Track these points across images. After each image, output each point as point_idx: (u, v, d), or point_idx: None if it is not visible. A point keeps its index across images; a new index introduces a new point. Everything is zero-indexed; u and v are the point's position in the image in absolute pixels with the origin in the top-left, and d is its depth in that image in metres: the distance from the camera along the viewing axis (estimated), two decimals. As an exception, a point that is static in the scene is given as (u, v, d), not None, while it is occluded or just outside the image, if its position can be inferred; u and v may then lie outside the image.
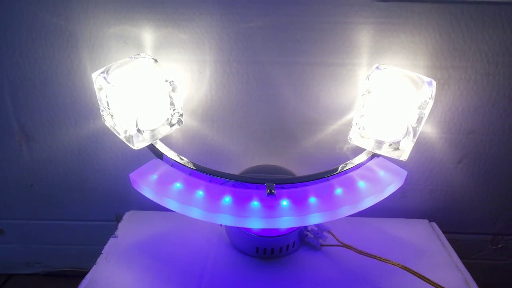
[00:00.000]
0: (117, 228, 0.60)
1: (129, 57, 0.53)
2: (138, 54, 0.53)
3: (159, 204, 0.53)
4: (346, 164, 0.55)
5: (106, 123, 0.53)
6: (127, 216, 0.63)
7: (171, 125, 0.55)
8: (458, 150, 0.62)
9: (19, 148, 0.63)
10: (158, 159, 0.55)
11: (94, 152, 0.64)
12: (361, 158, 0.56)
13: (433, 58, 0.57)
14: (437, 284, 0.49)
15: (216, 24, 0.56)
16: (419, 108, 0.49)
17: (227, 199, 0.52)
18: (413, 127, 0.51)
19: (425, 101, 0.49)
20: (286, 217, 0.49)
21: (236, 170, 0.64)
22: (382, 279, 0.52)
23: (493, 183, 0.64)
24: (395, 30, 0.56)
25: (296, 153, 0.63)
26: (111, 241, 0.57)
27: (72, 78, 0.59)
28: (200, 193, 0.53)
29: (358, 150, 0.59)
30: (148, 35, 0.56)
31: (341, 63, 0.58)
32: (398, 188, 0.53)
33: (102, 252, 0.55)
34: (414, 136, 0.51)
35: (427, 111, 0.49)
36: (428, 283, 0.49)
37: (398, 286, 0.50)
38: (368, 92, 0.51)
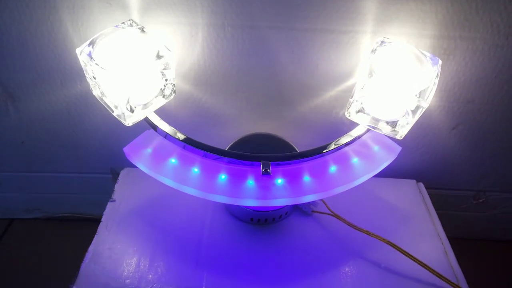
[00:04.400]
0: (113, 190, 0.61)
1: (116, 26, 0.49)
2: (124, 22, 0.49)
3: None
4: (341, 139, 0.55)
5: (93, 93, 0.51)
6: (123, 175, 0.64)
7: (165, 96, 0.53)
8: (455, 118, 0.61)
9: (4, 108, 0.61)
10: (152, 130, 0.54)
11: (84, 112, 0.62)
12: (356, 132, 0.55)
13: (442, 28, 0.53)
14: (419, 261, 0.52)
15: (209, -16, 0.51)
16: (420, 95, 0.47)
17: (222, 177, 0.52)
18: (412, 111, 0.50)
19: (428, 87, 0.47)
20: (280, 198, 0.50)
21: (231, 133, 0.64)
22: (368, 250, 0.55)
23: (483, 148, 0.65)
24: (405, -3, 0.51)
25: (291, 117, 0.62)
26: (109, 206, 0.59)
27: (53, 40, 0.55)
28: (196, 170, 0.53)
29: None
30: (133, -5, 0.51)
31: (344, 30, 0.54)
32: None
33: (102, 219, 0.56)
34: (413, 116, 0.50)
35: (430, 95, 0.47)
36: (411, 258, 0.53)
37: (383, 258, 0.54)
38: (371, 75, 0.49)
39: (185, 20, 0.53)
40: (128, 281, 0.49)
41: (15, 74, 0.58)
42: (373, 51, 0.50)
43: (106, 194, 0.71)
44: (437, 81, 0.47)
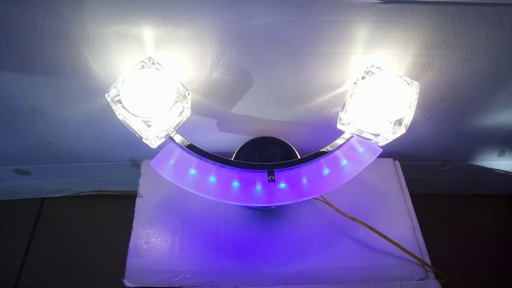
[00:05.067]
0: (139, 184, 0.71)
1: (136, 66, 0.54)
2: (143, 61, 0.54)
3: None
4: (332, 144, 0.64)
5: (119, 117, 0.58)
6: (144, 169, 0.73)
7: (183, 117, 0.60)
8: (429, 112, 0.71)
9: (32, 120, 0.68)
10: (172, 143, 0.62)
11: (104, 118, 0.69)
12: (343, 139, 0.65)
13: (422, 48, 0.60)
14: (391, 240, 0.66)
15: (218, 23, 0.55)
16: (399, 122, 0.57)
17: (235, 184, 0.63)
18: (392, 132, 0.59)
19: (406, 115, 0.56)
20: (283, 200, 0.61)
21: (236, 130, 0.73)
22: (351, 231, 0.68)
23: (451, 131, 0.76)
24: (392, 27, 0.57)
25: (288, 116, 0.71)
26: (138, 202, 0.69)
27: (75, 68, 0.60)
28: (212, 179, 0.63)
29: None
30: (147, 33, 0.56)
31: (337, 52, 0.60)
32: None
33: (135, 216, 0.68)
34: (393, 134, 0.60)
35: (408, 121, 0.57)
36: (385, 238, 0.66)
37: (363, 237, 0.68)
38: (361, 101, 0.57)
39: (195, 49, 0.58)
40: (168, 275, 0.62)
41: (40, 95, 0.64)
42: (363, 78, 0.58)
43: (126, 176, 0.82)
44: (415, 103, 0.56)
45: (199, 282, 0.62)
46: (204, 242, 0.66)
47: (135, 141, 0.73)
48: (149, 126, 0.54)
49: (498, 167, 0.85)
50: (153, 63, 0.55)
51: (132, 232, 0.66)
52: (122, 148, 0.76)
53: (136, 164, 0.79)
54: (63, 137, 0.72)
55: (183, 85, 0.55)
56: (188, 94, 0.55)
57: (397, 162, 0.78)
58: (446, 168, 0.85)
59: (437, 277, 0.64)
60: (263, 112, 0.70)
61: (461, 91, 0.67)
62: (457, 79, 0.65)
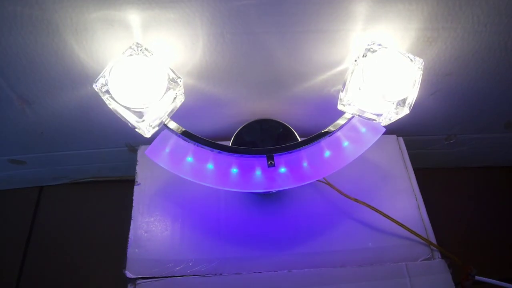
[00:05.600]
0: (136, 172, 0.70)
1: (124, 53, 0.51)
2: (131, 47, 0.51)
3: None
4: (333, 126, 0.62)
5: (109, 107, 0.56)
6: (141, 155, 0.71)
7: (176, 103, 0.58)
8: (433, 87, 0.68)
9: (21, 110, 0.65)
10: (167, 130, 0.60)
11: (97, 105, 0.66)
12: (344, 119, 0.62)
13: (426, 22, 0.57)
14: (395, 220, 0.64)
15: (208, 4, 0.52)
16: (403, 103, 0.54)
17: (234, 170, 0.61)
18: (395, 112, 0.56)
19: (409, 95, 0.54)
20: (284, 185, 0.60)
21: (233, 111, 0.70)
22: (354, 211, 0.67)
23: (455, 106, 0.73)
24: (394, 0, 0.53)
25: (287, 96, 0.68)
26: (136, 190, 0.68)
27: (60, 57, 0.57)
28: (210, 166, 0.61)
29: None
30: (134, 17, 0.52)
31: (336, 29, 0.57)
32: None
33: (133, 204, 0.66)
34: (396, 115, 0.57)
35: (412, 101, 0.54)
36: (389, 219, 0.65)
37: (366, 217, 0.66)
38: (359, 88, 0.54)
39: (185, 32, 0.55)
40: (170, 264, 0.61)
41: (27, 85, 0.61)
42: (364, 56, 0.55)
43: (123, 162, 0.80)
44: (419, 80, 0.54)
45: (201, 270, 0.61)
46: (205, 229, 0.65)
47: (129, 127, 0.72)
48: (141, 117, 0.52)
49: (504, 139, 0.82)
50: (141, 50, 0.52)
51: (132, 222, 0.65)
52: (117, 135, 0.74)
53: (132, 150, 0.77)
54: (55, 126, 0.70)
55: (174, 71, 0.52)
56: (180, 80, 0.53)
57: (401, 139, 0.76)
58: (451, 141, 0.82)
59: (443, 256, 0.63)
60: (260, 94, 0.67)
61: (467, 65, 0.64)
62: (463, 52, 0.62)
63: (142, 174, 0.70)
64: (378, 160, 0.73)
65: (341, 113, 0.61)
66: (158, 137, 0.61)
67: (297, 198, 0.69)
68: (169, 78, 0.53)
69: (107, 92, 0.51)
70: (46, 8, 0.50)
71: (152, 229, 0.64)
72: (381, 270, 0.62)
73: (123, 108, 0.51)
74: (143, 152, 0.73)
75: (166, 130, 0.60)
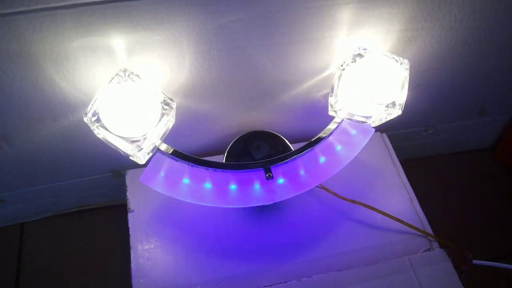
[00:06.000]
0: (127, 198, 0.67)
1: (112, 81, 0.49)
2: (118, 74, 0.50)
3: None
4: (324, 132, 0.62)
5: (98, 136, 0.53)
6: (129, 180, 0.69)
7: (168, 125, 0.56)
8: (414, 82, 0.70)
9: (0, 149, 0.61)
10: (159, 153, 0.59)
11: (79, 134, 0.63)
12: (335, 123, 0.63)
13: (407, 23, 0.58)
14: (391, 216, 0.66)
15: (193, 23, 0.51)
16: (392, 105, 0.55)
17: (232, 187, 0.60)
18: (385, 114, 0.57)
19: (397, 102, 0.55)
20: (284, 196, 0.60)
21: (220, 126, 0.69)
22: (351, 212, 0.68)
23: (434, 98, 0.75)
24: (376, 5, 0.55)
25: (273, 106, 0.68)
26: (131, 217, 0.65)
27: (39, 88, 0.54)
28: (208, 185, 0.60)
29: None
30: (118, 41, 0.50)
31: (321, 37, 0.57)
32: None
33: (130, 233, 0.64)
34: (386, 117, 0.58)
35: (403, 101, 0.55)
36: (384, 215, 0.66)
37: (363, 216, 0.67)
38: (349, 93, 0.55)
39: (171, 53, 0.54)
40: None
41: (5, 120, 0.57)
42: (353, 61, 0.55)
43: (108, 188, 0.77)
44: (407, 81, 0.55)
45: (210, 291, 0.60)
46: (207, 248, 0.64)
47: (115, 152, 0.69)
48: (138, 145, 0.50)
49: (478, 125, 0.86)
50: (128, 75, 0.51)
51: (131, 251, 0.62)
52: (101, 162, 0.71)
53: (117, 175, 0.75)
54: (36, 160, 0.66)
55: (165, 94, 0.51)
56: (174, 103, 0.51)
57: (385, 135, 0.77)
58: (429, 132, 0.85)
59: (441, 245, 0.65)
60: (247, 106, 0.67)
61: (444, 60, 0.67)
62: (441, 48, 0.64)
63: (134, 200, 0.68)
64: (366, 159, 0.74)
65: (328, 115, 0.62)
66: (151, 162, 0.59)
67: (295, 206, 0.69)
68: (162, 102, 0.51)
69: (99, 122, 0.49)
70: (24, 41, 0.47)
71: (154, 256, 0.62)
72: (386, 267, 0.63)
73: (118, 138, 0.49)
74: (131, 177, 0.70)
75: (158, 154, 0.59)
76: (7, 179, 0.68)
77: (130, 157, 0.54)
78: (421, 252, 0.65)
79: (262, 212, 0.68)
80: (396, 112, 0.56)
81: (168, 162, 0.60)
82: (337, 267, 0.63)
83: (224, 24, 0.52)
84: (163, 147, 0.56)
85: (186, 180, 0.60)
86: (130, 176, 0.70)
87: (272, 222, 0.68)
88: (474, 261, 0.65)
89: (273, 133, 0.69)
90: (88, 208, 0.80)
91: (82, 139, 0.64)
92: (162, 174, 0.59)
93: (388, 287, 0.61)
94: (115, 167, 0.73)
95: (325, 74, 0.64)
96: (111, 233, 0.78)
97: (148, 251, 0.63)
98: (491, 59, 0.69)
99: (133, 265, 0.61)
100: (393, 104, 0.56)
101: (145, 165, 0.65)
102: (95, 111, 0.49)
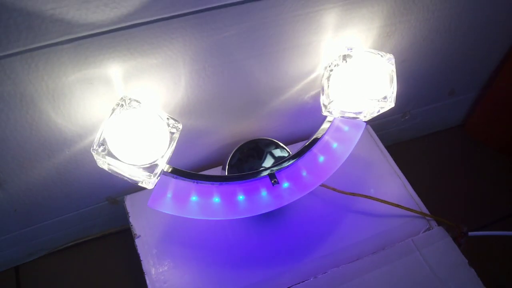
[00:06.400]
0: (131, 225, 0.66)
1: (113, 111, 0.48)
2: (118, 104, 0.49)
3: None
4: (319, 132, 0.64)
5: (102, 166, 0.52)
6: (129, 205, 0.67)
7: (172, 147, 0.55)
8: (392, 74, 0.73)
9: (-8, 193, 0.58)
10: (163, 175, 0.58)
11: (74, 167, 0.61)
12: (328, 123, 0.65)
13: (386, 19, 0.61)
14: (389, 202, 0.69)
15: (190, 43, 0.51)
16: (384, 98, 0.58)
17: (240, 197, 0.61)
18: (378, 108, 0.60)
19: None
20: (291, 199, 0.61)
21: (214, 138, 0.69)
22: (352, 204, 0.71)
23: (411, 87, 0.80)
24: (358, 6, 0.57)
25: (265, 113, 0.69)
26: (138, 243, 0.64)
27: (35, 128, 0.52)
28: (216, 199, 0.60)
29: (317, 96, 0.68)
30: (115, 70, 0.50)
31: (308, 42, 0.59)
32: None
33: (142, 259, 0.63)
34: (383, 108, 0.61)
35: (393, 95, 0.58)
36: (383, 202, 0.69)
37: (364, 207, 0.70)
38: (341, 93, 0.57)
39: (168, 74, 0.54)
40: None
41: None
42: (341, 61, 0.58)
43: (104, 217, 0.76)
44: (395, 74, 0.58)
45: (234, 303, 0.61)
46: (221, 261, 0.64)
47: (110, 180, 0.68)
48: (152, 171, 0.49)
49: (449, 105, 0.92)
50: (129, 103, 0.50)
51: (146, 277, 0.61)
52: (97, 191, 0.69)
53: (114, 202, 0.73)
54: (30, 200, 0.63)
55: (170, 116, 0.51)
56: (180, 125, 0.51)
57: (369, 126, 0.81)
58: (406, 118, 0.90)
59: (439, 223, 0.69)
60: (241, 116, 0.67)
61: (419, 50, 0.70)
62: (416, 39, 0.68)
63: (138, 225, 0.66)
64: (356, 152, 0.77)
65: (315, 115, 0.64)
66: (156, 185, 0.58)
67: (297, 208, 0.71)
68: (168, 124, 0.51)
69: (107, 152, 0.48)
70: (19, 81, 0.45)
71: (170, 278, 0.62)
72: (393, 251, 0.66)
73: (130, 166, 0.49)
74: (131, 202, 0.69)
75: (162, 176, 0.58)
76: (1, 221, 0.65)
77: (139, 183, 0.53)
78: (422, 232, 0.68)
79: (268, 218, 0.70)
80: (389, 105, 0.59)
81: (173, 182, 0.59)
82: (349, 259, 0.65)
83: (219, 40, 0.52)
84: (166, 168, 0.56)
85: (194, 198, 0.60)
86: (129, 201, 0.69)
87: (279, 227, 0.69)
88: (470, 233, 0.69)
89: (269, 140, 0.70)
90: (84, 241, 0.78)
91: (78, 172, 0.63)
92: (169, 195, 0.59)
93: (398, 270, 0.65)
94: (111, 195, 0.71)
95: (312, 76, 0.65)
96: (116, 261, 0.76)
97: (163, 273, 0.62)
98: (459, 43, 0.73)
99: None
100: (385, 98, 0.59)
101: (143, 188, 0.65)
102: (102, 141, 0.48)
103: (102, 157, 0.48)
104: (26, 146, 0.54)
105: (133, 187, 0.70)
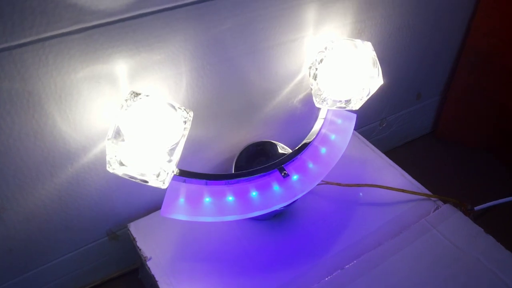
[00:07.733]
0: (139, 249, 0.62)
1: (122, 106, 0.48)
2: (127, 100, 0.49)
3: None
4: (315, 128, 0.67)
5: (113, 171, 0.50)
6: (135, 232, 0.64)
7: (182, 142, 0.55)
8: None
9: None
10: (173, 181, 0.56)
11: (75, 190, 0.58)
12: (322, 115, 0.68)
13: (356, 15, 0.68)
14: (395, 188, 0.71)
15: (189, 37, 0.53)
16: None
17: (253, 194, 0.60)
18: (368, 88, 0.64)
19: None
20: (302, 191, 0.61)
21: (215, 145, 0.69)
22: (353, 198, 0.71)
23: (383, 90, 0.85)
24: (332, 1, 0.63)
25: (259, 118, 0.71)
26: (151, 265, 0.60)
27: (40, 136, 0.50)
28: (230, 198, 0.59)
29: (305, 99, 0.72)
30: (121, 66, 0.51)
31: (293, 39, 0.64)
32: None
33: (157, 279, 0.58)
34: (367, 95, 0.65)
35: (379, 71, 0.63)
36: (390, 189, 0.71)
37: (369, 198, 0.71)
38: (330, 77, 0.62)
39: (170, 72, 0.55)
40: None
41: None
42: (323, 58, 0.62)
43: (103, 258, 0.70)
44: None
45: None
46: (239, 270, 0.61)
47: (111, 208, 0.65)
48: (171, 154, 0.48)
49: (417, 110, 0.98)
50: (138, 95, 0.50)
51: (165, 297, 0.56)
52: (97, 223, 0.65)
53: (114, 237, 0.68)
54: (28, 234, 0.58)
55: (182, 108, 0.51)
56: (191, 112, 0.52)
57: (356, 132, 0.84)
58: (384, 125, 0.95)
59: (445, 202, 0.70)
60: (238, 122, 0.69)
61: (386, 48, 0.77)
62: (383, 36, 0.75)
63: (147, 248, 0.62)
64: (350, 153, 0.79)
65: (306, 121, 0.67)
66: (167, 192, 0.56)
67: (305, 209, 0.70)
68: (181, 111, 0.51)
69: (121, 139, 0.47)
70: (28, 76, 0.45)
71: (188, 293, 0.57)
72: (410, 233, 0.66)
73: (147, 154, 0.47)
74: (135, 228, 0.65)
75: (172, 182, 0.57)
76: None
77: (150, 183, 0.51)
78: (432, 212, 0.69)
79: (279, 223, 0.68)
80: (379, 82, 0.63)
81: (184, 187, 0.58)
82: (371, 247, 0.64)
83: (215, 35, 0.55)
84: (176, 171, 0.55)
85: (207, 199, 0.58)
86: (134, 228, 0.65)
87: (292, 230, 0.67)
88: (476, 208, 0.71)
89: (271, 141, 0.71)
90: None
91: (78, 197, 0.59)
92: (181, 200, 0.57)
93: (420, 249, 0.64)
94: (112, 227, 0.67)
95: (298, 77, 0.69)
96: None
97: (183, 290, 0.57)
98: (422, 42, 0.82)
99: (172, 307, 0.55)
100: (372, 77, 0.63)
101: (145, 214, 0.67)
102: (117, 131, 0.47)
103: (118, 145, 0.47)
104: (29, 161, 0.51)
105: (135, 215, 0.67)
